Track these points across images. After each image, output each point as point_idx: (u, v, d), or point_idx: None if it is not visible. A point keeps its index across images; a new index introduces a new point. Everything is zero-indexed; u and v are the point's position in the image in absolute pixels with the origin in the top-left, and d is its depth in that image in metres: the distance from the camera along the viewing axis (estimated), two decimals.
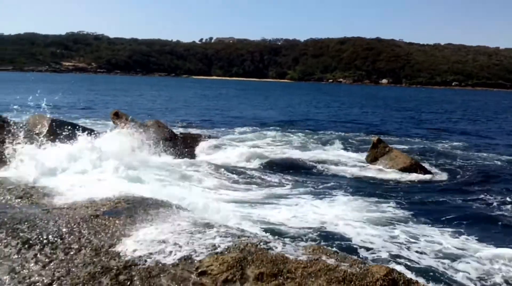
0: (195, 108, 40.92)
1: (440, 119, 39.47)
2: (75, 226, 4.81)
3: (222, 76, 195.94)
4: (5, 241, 4.28)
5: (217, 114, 36.06)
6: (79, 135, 9.81)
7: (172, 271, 3.81)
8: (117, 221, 5.09)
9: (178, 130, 20.94)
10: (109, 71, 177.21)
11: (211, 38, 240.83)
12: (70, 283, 3.51)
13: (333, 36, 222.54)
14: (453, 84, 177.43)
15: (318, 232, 8.67)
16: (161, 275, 3.72)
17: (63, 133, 10.56)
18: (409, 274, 5.66)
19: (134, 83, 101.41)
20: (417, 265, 7.29)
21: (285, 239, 6.60)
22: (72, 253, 4.10)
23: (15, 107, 12.82)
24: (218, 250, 4.33)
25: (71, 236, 4.51)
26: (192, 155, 15.95)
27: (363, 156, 16.86)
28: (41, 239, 4.37)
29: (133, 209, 5.62)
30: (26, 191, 6.49)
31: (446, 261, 7.44)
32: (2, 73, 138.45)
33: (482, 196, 12.26)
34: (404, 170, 14.60)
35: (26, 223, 4.79)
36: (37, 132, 14.36)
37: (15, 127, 9.42)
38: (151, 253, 4.14)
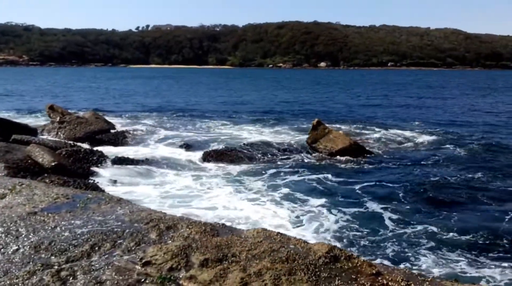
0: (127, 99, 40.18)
1: (377, 99, 40.75)
2: (11, 224, 4.65)
3: (161, 64, 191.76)
4: None
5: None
6: None
7: (116, 264, 3.78)
8: (56, 217, 4.96)
9: (113, 120, 20.80)
10: (43, 64, 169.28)
11: (147, 26, 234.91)
12: (8, 284, 3.41)
13: (272, 21, 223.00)
14: (389, 64, 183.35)
15: (261, 215, 8.85)
16: (105, 268, 3.69)
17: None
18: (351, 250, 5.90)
19: (67, 75, 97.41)
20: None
21: (230, 224, 6.67)
22: (10, 252, 3.97)
23: None
24: (162, 239, 4.34)
25: (8, 236, 4.36)
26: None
27: (303, 138, 17.06)
28: None
29: (72, 204, 5.49)
30: None
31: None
32: None
33: (414, 171, 12.98)
34: (343, 151, 14.83)
35: None
36: None
37: None
38: (93, 246, 4.09)
